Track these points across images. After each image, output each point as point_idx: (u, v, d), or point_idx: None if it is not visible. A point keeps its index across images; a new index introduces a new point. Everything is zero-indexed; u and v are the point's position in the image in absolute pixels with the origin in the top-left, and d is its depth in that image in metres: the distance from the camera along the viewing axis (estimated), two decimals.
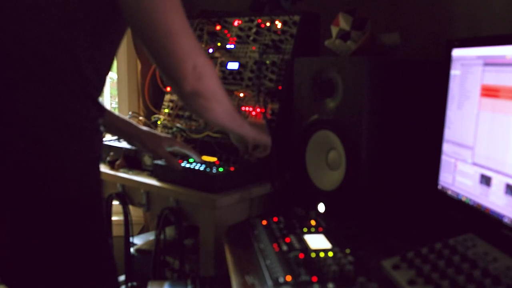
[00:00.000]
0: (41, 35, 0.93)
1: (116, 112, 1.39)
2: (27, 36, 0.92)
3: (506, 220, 0.91)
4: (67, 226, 0.99)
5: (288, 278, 0.84)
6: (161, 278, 1.46)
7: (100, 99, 1.09)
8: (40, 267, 0.98)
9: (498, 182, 0.93)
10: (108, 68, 1.10)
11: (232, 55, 1.63)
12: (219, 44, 1.67)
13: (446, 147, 1.10)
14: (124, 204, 1.53)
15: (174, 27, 0.96)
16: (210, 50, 1.68)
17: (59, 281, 1.00)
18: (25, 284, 1.00)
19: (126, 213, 1.55)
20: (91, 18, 0.98)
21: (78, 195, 1.00)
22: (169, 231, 1.49)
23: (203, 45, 1.69)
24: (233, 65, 1.61)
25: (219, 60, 1.66)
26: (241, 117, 1.25)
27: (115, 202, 1.56)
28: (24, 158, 0.93)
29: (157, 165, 1.40)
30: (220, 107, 1.10)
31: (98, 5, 0.98)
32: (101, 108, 1.07)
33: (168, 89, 1.74)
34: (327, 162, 1.29)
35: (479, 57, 0.99)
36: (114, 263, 1.12)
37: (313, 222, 1.14)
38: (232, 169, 1.32)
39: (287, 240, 1.02)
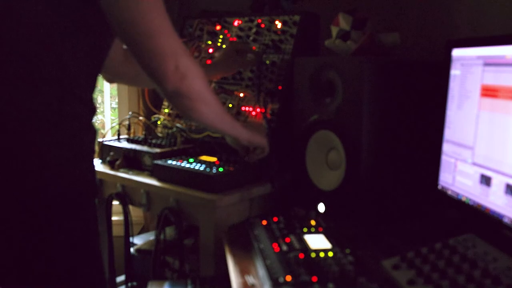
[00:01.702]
0: (25, 36, 0.93)
1: None
2: (10, 36, 0.92)
3: (506, 220, 0.91)
4: (50, 224, 0.98)
5: (288, 278, 0.84)
6: (161, 278, 1.46)
7: (92, 98, 1.08)
8: (25, 265, 0.98)
9: (498, 182, 0.93)
10: (97, 70, 1.09)
11: None
12: (219, 43, 1.67)
13: (446, 147, 1.10)
14: (124, 204, 1.53)
15: (155, 28, 0.96)
16: (210, 50, 1.68)
17: (44, 279, 1.00)
18: (13, 283, 1.00)
19: (126, 213, 1.55)
20: (75, 20, 0.98)
21: (62, 193, 0.99)
22: (169, 231, 1.49)
23: (203, 45, 1.69)
24: None
25: None
26: (233, 118, 1.23)
27: (115, 202, 1.56)
28: (4, 156, 0.93)
29: (157, 165, 1.40)
30: (206, 108, 1.09)
31: (81, 7, 0.97)
32: (92, 107, 1.07)
33: None
34: (327, 162, 1.29)
35: (479, 57, 0.99)
36: (101, 262, 1.12)
37: (313, 222, 1.14)
38: (232, 169, 1.32)
39: (287, 240, 1.02)
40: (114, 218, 1.65)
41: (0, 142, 0.93)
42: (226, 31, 1.68)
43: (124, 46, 1.22)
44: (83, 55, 1.02)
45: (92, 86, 1.09)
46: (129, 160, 1.54)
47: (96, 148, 1.56)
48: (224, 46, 1.62)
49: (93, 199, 1.09)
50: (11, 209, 0.95)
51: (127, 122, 1.71)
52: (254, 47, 1.56)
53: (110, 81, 1.51)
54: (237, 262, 1.04)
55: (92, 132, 1.09)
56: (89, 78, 1.07)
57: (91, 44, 1.03)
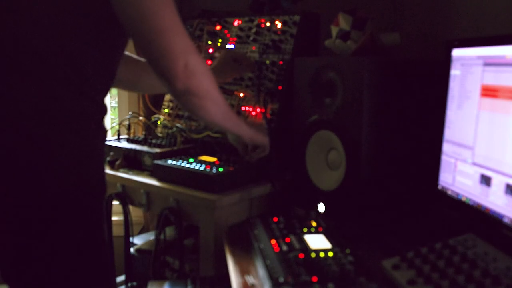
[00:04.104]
0: (39, 36, 0.93)
1: None
2: (20, 33, 0.93)
3: (506, 220, 0.91)
4: (58, 223, 0.98)
5: (288, 278, 0.84)
6: (161, 278, 1.47)
7: (104, 98, 1.08)
8: (32, 264, 0.98)
9: (498, 182, 0.93)
10: (112, 70, 1.09)
11: None
12: (219, 44, 1.67)
13: (446, 147, 1.10)
14: (124, 204, 1.53)
15: (165, 26, 0.96)
16: (210, 50, 1.68)
17: (52, 280, 1.00)
18: (21, 283, 1.00)
19: (126, 213, 1.55)
20: (86, 17, 0.98)
21: (71, 192, 0.99)
22: (169, 231, 1.49)
23: (203, 45, 1.69)
24: None
25: None
26: (238, 116, 1.24)
27: (115, 202, 1.57)
28: (13, 153, 0.94)
29: (157, 165, 1.40)
30: (213, 106, 1.10)
31: (92, 4, 0.97)
32: (104, 107, 1.07)
33: None
34: (327, 162, 1.29)
35: (479, 57, 0.99)
36: (108, 263, 1.12)
37: (313, 222, 1.14)
38: (232, 169, 1.32)
39: (287, 240, 1.02)
40: (114, 218, 1.66)
41: (12, 140, 0.94)
42: (226, 31, 1.68)
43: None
44: (98, 55, 1.02)
45: (106, 87, 1.09)
46: (129, 160, 1.54)
47: None
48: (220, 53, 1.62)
49: (102, 199, 1.09)
50: (21, 207, 0.96)
51: (127, 122, 1.71)
52: (249, 57, 1.55)
53: None
54: (237, 262, 1.04)
55: (103, 132, 1.09)
56: (103, 78, 1.07)
57: (105, 44, 1.03)
